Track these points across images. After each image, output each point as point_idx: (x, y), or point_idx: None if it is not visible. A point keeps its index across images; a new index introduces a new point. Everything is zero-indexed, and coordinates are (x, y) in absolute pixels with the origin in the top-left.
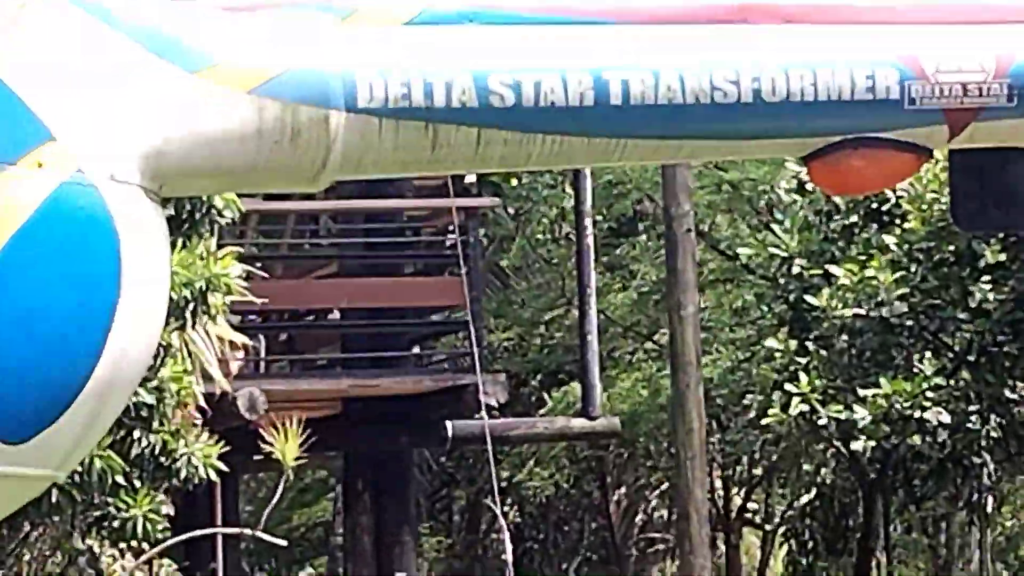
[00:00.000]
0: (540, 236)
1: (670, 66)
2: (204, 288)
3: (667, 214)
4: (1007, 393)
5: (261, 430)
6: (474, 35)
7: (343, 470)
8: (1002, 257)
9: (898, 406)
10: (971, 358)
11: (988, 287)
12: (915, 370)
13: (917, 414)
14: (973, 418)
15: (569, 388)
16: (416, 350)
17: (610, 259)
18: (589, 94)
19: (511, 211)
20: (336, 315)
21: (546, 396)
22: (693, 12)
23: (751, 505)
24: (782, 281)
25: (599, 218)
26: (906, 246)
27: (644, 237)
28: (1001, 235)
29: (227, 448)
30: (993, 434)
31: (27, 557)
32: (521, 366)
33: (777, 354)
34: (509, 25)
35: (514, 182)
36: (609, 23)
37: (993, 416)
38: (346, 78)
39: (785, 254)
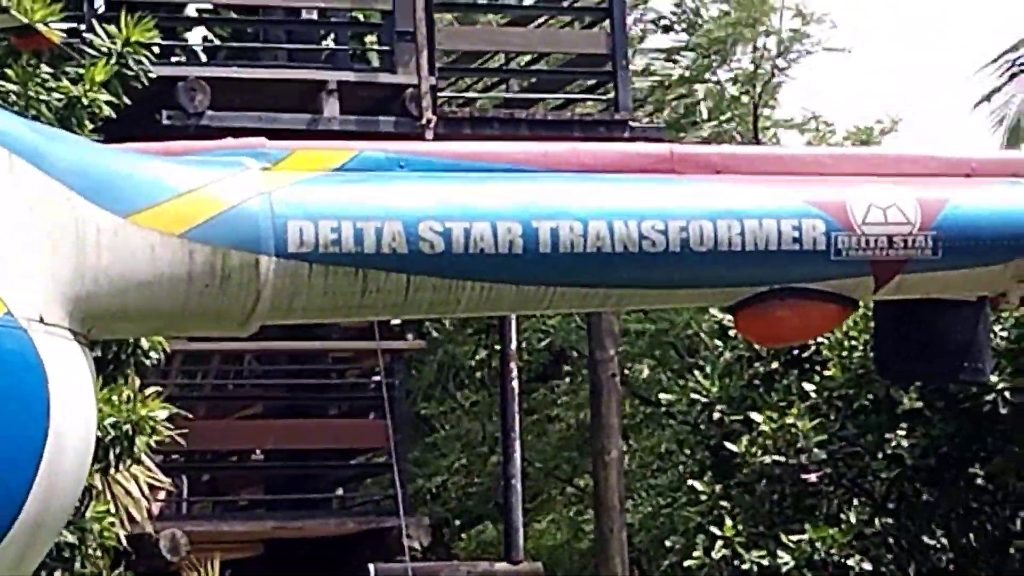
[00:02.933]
0: (460, 382)
1: (599, 215)
2: (130, 430)
3: (592, 359)
4: (926, 539)
5: (183, 572)
6: (405, 182)
7: None
8: (919, 404)
9: (822, 552)
10: (890, 505)
11: (904, 434)
12: (839, 517)
13: (842, 560)
14: (892, 565)
15: (492, 534)
16: (340, 492)
17: (530, 404)
18: (518, 242)
19: (432, 357)
20: (259, 456)
21: (463, 538)
22: (623, 161)
23: None
24: (703, 427)
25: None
26: (825, 393)
27: (567, 381)
28: (919, 384)
29: None
30: None
31: None
32: (442, 512)
33: (702, 496)
34: (440, 172)
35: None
36: (539, 172)
37: (912, 563)
38: (277, 223)
39: (706, 400)
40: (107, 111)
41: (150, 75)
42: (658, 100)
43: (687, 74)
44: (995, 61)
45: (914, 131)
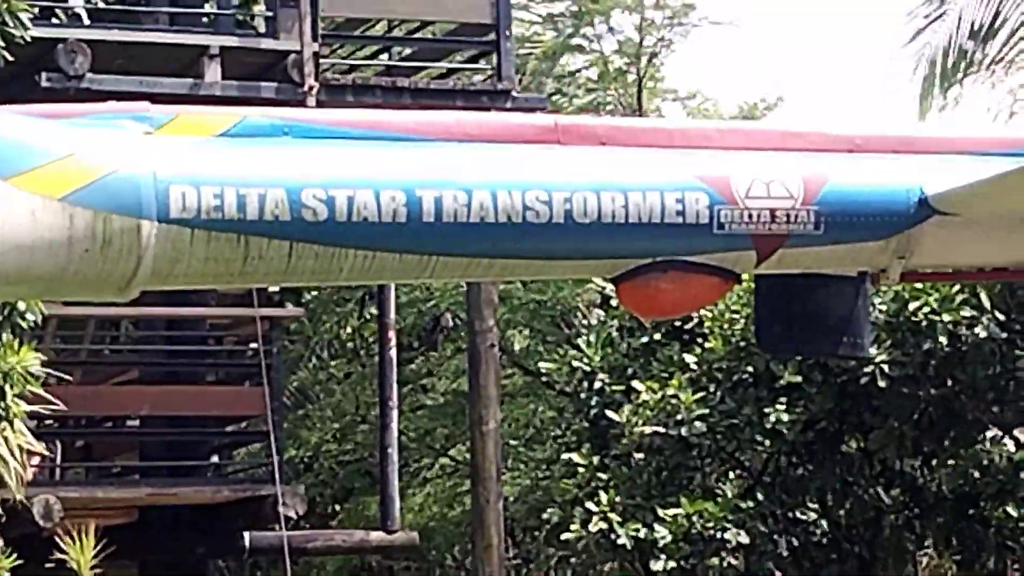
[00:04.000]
0: (337, 351)
1: (482, 185)
2: (1, 380)
3: (471, 329)
4: (800, 513)
5: (56, 538)
6: (289, 148)
7: None
8: (798, 378)
9: (698, 526)
10: (767, 478)
11: (783, 408)
12: (715, 490)
13: (718, 534)
14: (768, 538)
15: (361, 501)
16: (215, 460)
17: (407, 373)
18: (402, 211)
19: (308, 325)
20: (135, 422)
21: (337, 508)
22: (507, 132)
23: None
24: (583, 396)
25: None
26: (706, 365)
27: (444, 350)
28: (799, 357)
29: (19, 559)
30: (787, 554)
31: None
32: (317, 481)
33: (579, 469)
34: (325, 139)
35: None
36: (424, 140)
37: (787, 536)
38: (159, 188)
39: (587, 369)
40: None
41: (29, 36)
42: (541, 70)
43: (571, 43)
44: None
45: (798, 107)
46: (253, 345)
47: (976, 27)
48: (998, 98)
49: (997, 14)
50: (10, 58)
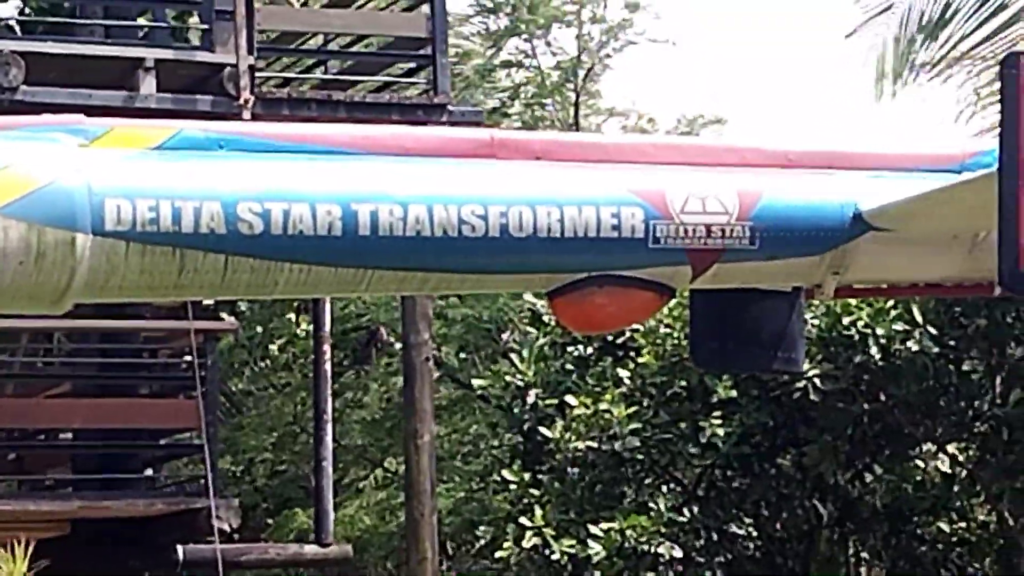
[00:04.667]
0: (271, 362)
1: (419, 199)
2: None
3: (406, 342)
4: (735, 528)
5: None
6: (225, 162)
7: None
8: (733, 393)
9: (632, 540)
10: (700, 493)
11: (718, 422)
12: (649, 505)
13: (651, 549)
14: (702, 553)
15: (294, 513)
16: (149, 472)
17: (342, 386)
18: (337, 224)
19: (243, 335)
20: (68, 435)
21: (271, 521)
22: (443, 146)
23: None
24: (516, 411)
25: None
26: (640, 380)
27: (379, 364)
28: (733, 372)
29: None
30: (721, 569)
31: None
32: (251, 494)
33: (512, 485)
34: (261, 152)
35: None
36: (360, 154)
37: (721, 551)
38: (94, 200)
39: (521, 384)
40: None
41: None
42: (477, 84)
43: (509, 58)
44: None
45: (736, 122)
46: (188, 358)
47: (925, 20)
48: (963, 95)
49: (947, 6)
50: None
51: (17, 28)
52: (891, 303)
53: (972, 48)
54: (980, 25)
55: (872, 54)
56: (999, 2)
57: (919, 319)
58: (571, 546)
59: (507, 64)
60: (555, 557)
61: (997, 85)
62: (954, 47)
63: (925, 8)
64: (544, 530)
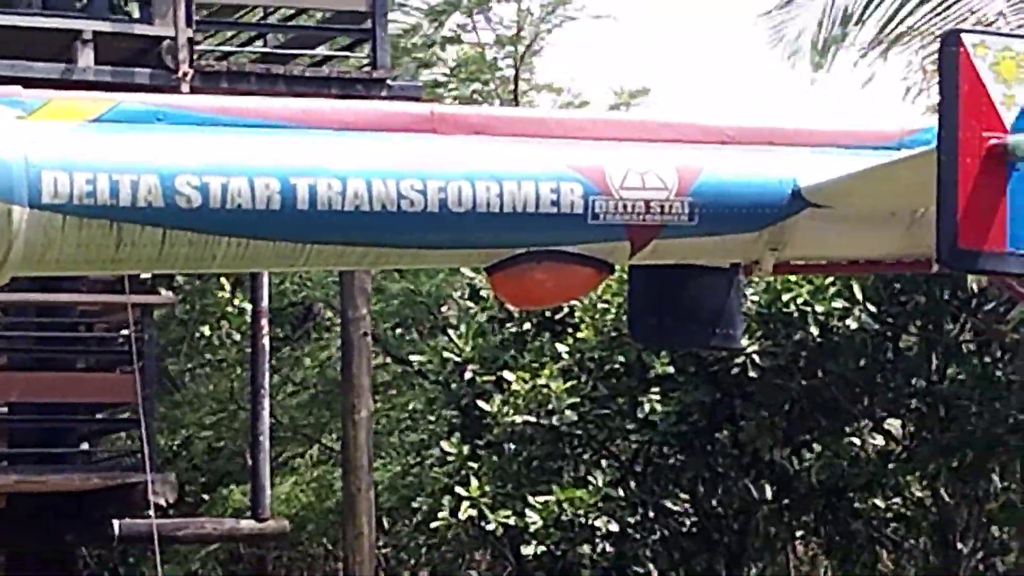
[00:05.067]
0: (209, 337)
1: (358, 173)
2: None
3: (344, 317)
4: (671, 503)
5: None
6: (163, 135)
7: (5, 567)
8: (671, 369)
9: (569, 513)
10: (638, 468)
11: (657, 398)
12: (587, 479)
13: (588, 522)
14: (639, 527)
15: (232, 490)
16: (85, 447)
17: (279, 361)
18: (276, 198)
19: (181, 311)
20: (3, 409)
21: (207, 496)
22: (383, 120)
23: None
24: (454, 386)
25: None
26: (578, 355)
27: (317, 339)
28: (671, 348)
29: None
30: (658, 544)
31: None
32: (188, 468)
33: (450, 458)
34: (199, 126)
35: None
36: (299, 128)
37: (657, 526)
38: (31, 173)
39: (459, 359)
40: None
41: None
42: (417, 59)
43: (448, 34)
44: None
45: (672, 98)
46: (125, 332)
47: (850, 11)
48: (911, 72)
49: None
50: None
51: None
52: (831, 280)
53: (919, 23)
54: (920, 3)
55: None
56: None
57: (859, 296)
58: (507, 517)
59: (448, 40)
60: (491, 528)
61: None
62: (899, 24)
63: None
64: (480, 501)
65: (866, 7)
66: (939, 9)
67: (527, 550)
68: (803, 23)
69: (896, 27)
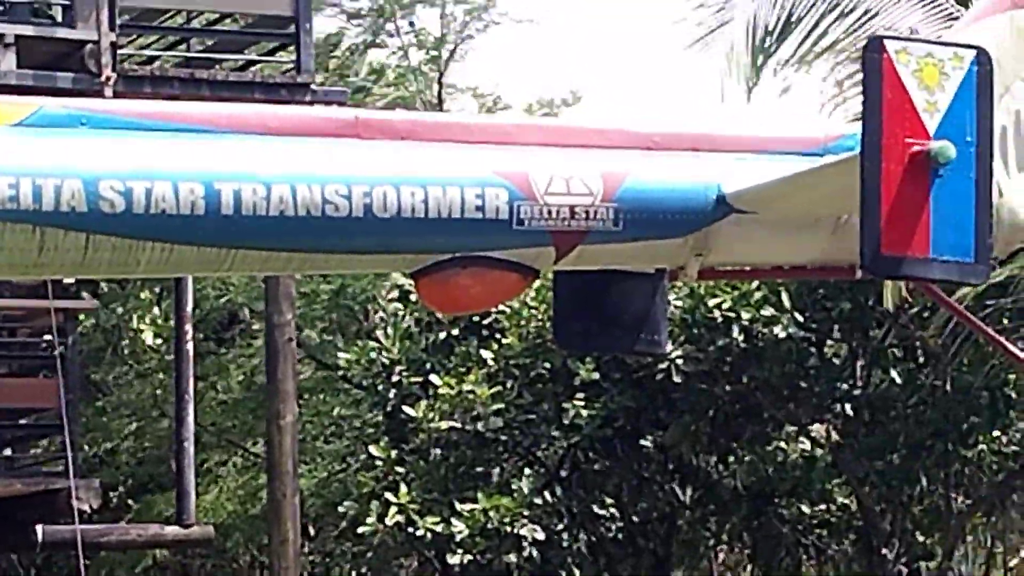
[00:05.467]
0: (131, 344)
1: (282, 178)
2: None
3: (268, 322)
4: (597, 509)
5: None
6: (87, 139)
7: None
8: (596, 375)
9: (495, 521)
10: (564, 474)
11: (582, 404)
12: (512, 486)
13: (514, 530)
14: (565, 534)
15: (157, 497)
16: (7, 453)
17: (203, 367)
18: (200, 203)
19: (103, 317)
20: None
21: (132, 503)
22: (307, 125)
23: None
24: (380, 389)
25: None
26: (503, 361)
27: (240, 343)
28: (596, 354)
29: None
30: (583, 550)
31: None
32: (112, 476)
33: (377, 462)
34: (123, 130)
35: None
36: (223, 132)
37: (583, 532)
38: None
39: (386, 361)
40: None
41: None
42: (340, 64)
43: (371, 38)
44: None
45: (596, 103)
46: (47, 337)
47: (770, 28)
48: (826, 88)
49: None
50: None
51: None
52: (756, 286)
53: (833, 44)
54: (837, 20)
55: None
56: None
57: (787, 304)
58: (435, 523)
59: (371, 44)
60: (419, 534)
61: (859, 77)
62: (815, 43)
63: (769, 17)
64: (408, 507)
65: (787, 23)
66: (855, 27)
67: (453, 559)
68: (730, 38)
69: (815, 43)
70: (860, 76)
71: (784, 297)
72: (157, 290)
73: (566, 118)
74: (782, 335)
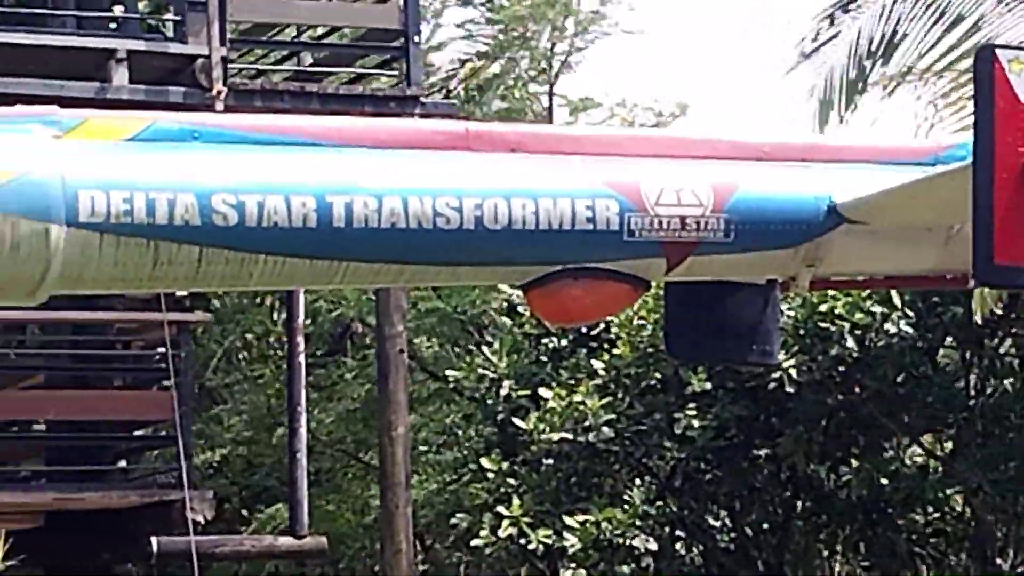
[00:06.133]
0: (246, 355)
1: (393, 191)
2: None
3: (380, 334)
4: (710, 520)
5: None
6: (199, 153)
7: None
8: (708, 385)
9: (607, 533)
10: (676, 484)
11: (693, 414)
12: (624, 497)
13: (626, 541)
14: (678, 545)
15: (277, 509)
16: (123, 464)
17: (316, 378)
18: (312, 216)
19: (217, 329)
20: (41, 427)
21: (246, 513)
22: (418, 138)
23: None
24: (490, 403)
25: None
26: (614, 371)
27: (354, 355)
28: (708, 364)
29: None
30: (696, 560)
31: None
32: (226, 486)
33: (490, 475)
34: (235, 144)
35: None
36: (335, 146)
37: (696, 543)
38: (68, 192)
39: (494, 375)
40: None
41: None
42: (452, 77)
43: (485, 51)
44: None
45: (706, 115)
46: (161, 349)
47: (874, 45)
48: (918, 109)
49: (895, 32)
50: None
51: None
52: (867, 294)
53: (932, 64)
54: (936, 42)
55: (819, 83)
56: (952, 18)
57: (897, 303)
58: (547, 536)
59: (482, 56)
60: (532, 547)
61: (955, 96)
62: (911, 67)
63: (874, 33)
64: (521, 520)
65: (888, 46)
66: (952, 50)
67: (566, 573)
68: (834, 62)
69: (913, 65)
70: (955, 96)
71: (896, 301)
72: (270, 302)
73: (676, 129)
74: (893, 331)
